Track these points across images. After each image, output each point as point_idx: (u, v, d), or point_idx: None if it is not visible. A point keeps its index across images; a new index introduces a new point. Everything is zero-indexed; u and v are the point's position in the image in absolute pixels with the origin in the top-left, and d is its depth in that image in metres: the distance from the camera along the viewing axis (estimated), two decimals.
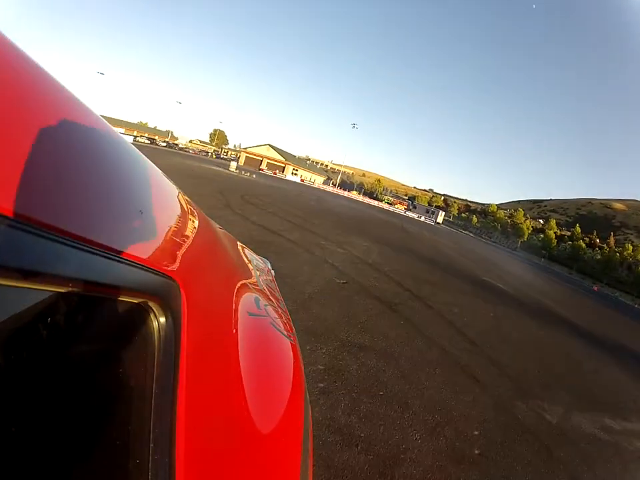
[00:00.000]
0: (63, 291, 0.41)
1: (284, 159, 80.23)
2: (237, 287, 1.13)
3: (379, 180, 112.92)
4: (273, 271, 2.03)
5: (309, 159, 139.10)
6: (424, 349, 4.85)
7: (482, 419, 3.60)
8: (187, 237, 0.89)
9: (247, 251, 1.86)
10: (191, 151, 75.03)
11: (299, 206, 19.27)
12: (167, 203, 0.90)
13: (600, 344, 10.02)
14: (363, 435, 2.76)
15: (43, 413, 0.45)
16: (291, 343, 1.21)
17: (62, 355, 0.48)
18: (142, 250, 0.56)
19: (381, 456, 2.61)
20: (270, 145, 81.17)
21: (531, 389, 4.87)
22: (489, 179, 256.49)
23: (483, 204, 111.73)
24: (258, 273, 1.60)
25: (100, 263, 0.43)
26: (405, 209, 69.25)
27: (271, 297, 1.43)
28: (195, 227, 1.02)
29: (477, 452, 3.04)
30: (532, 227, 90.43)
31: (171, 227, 0.81)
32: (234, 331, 0.91)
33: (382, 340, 4.65)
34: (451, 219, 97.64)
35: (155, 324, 0.57)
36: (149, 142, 61.78)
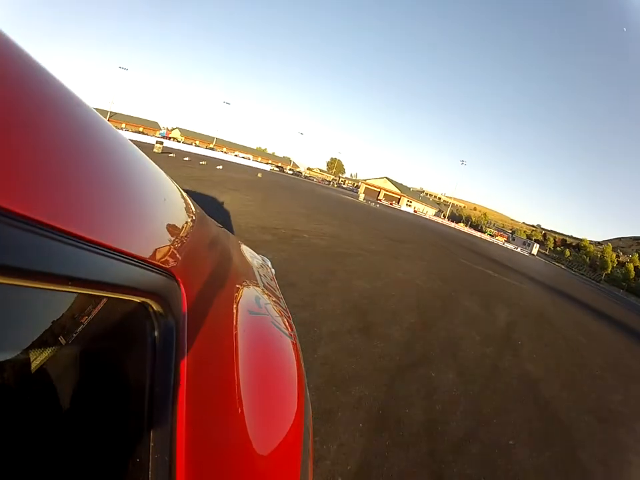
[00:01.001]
0: (63, 289, 0.41)
1: (399, 191, 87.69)
2: (237, 286, 1.14)
3: (485, 214, 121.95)
4: (273, 270, 2.04)
5: (423, 191, 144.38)
6: None
7: None
8: (187, 235, 0.89)
9: (247, 249, 1.87)
10: (314, 180, 79.89)
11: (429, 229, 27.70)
12: (166, 201, 0.90)
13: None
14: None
15: (43, 411, 0.46)
16: (292, 342, 1.22)
17: (62, 353, 0.49)
18: (142, 248, 0.56)
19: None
20: (387, 178, 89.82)
21: None
22: (602, 215, 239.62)
23: (579, 239, 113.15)
24: (258, 271, 1.61)
25: (100, 261, 0.43)
26: (504, 240, 78.31)
27: (271, 296, 1.44)
28: (195, 226, 1.03)
29: None
30: (617, 260, 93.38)
31: (171, 226, 0.82)
32: (234, 329, 0.91)
33: None
34: (547, 252, 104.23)
35: (156, 322, 0.57)
36: (277, 170, 67.92)
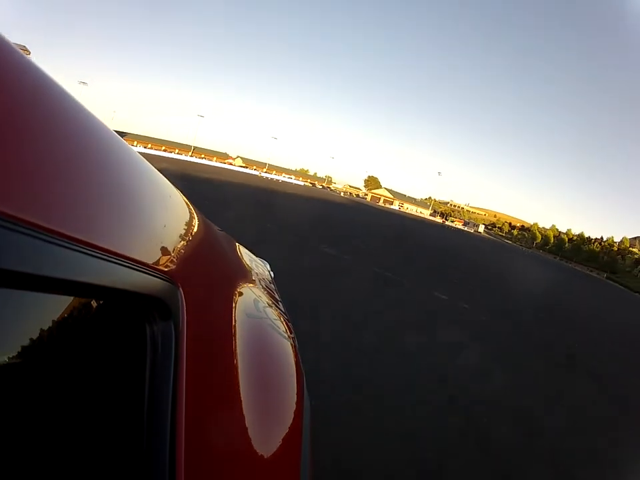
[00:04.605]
0: (61, 293, 0.42)
1: (392, 197, 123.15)
2: (236, 289, 1.15)
3: (466, 210, 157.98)
4: (272, 273, 2.05)
5: (430, 199, 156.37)
6: None
7: None
8: (187, 238, 0.89)
9: (246, 252, 1.88)
10: (341, 193, 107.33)
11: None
12: (166, 204, 0.91)
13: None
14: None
15: (42, 416, 0.46)
16: (290, 345, 1.22)
17: (61, 358, 0.49)
18: (142, 252, 0.56)
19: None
20: (385, 188, 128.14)
21: None
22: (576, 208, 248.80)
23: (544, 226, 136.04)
24: (257, 274, 1.62)
25: (100, 265, 0.43)
26: (462, 224, 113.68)
27: (270, 299, 1.44)
28: (194, 229, 1.04)
29: None
30: (558, 236, 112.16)
31: (170, 229, 0.82)
32: (233, 332, 0.92)
33: None
34: (502, 233, 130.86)
35: (155, 326, 0.58)
36: (311, 185, 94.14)
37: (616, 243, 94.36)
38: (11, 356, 0.39)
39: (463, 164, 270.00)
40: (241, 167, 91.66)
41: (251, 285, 1.38)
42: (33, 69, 0.47)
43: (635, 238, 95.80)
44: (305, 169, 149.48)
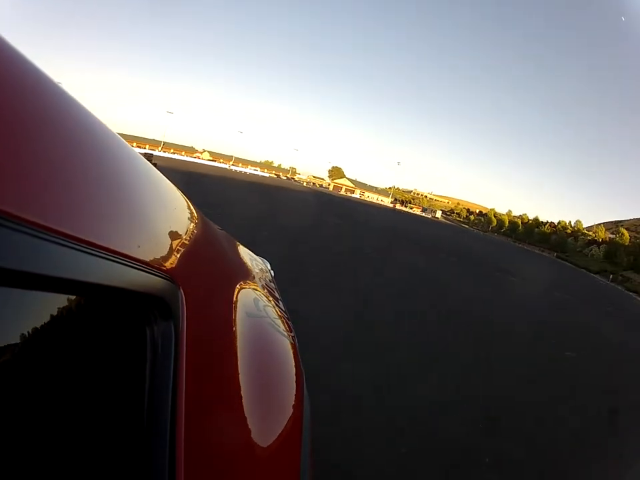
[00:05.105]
0: (61, 292, 0.42)
1: (354, 186, 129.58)
2: (236, 288, 1.15)
3: (428, 197, 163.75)
4: (272, 271, 2.06)
5: (394, 188, 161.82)
6: None
7: None
8: (186, 237, 0.89)
9: (246, 251, 1.88)
10: (304, 183, 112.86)
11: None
12: (165, 203, 0.92)
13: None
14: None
15: (42, 416, 0.46)
16: (290, 343, 1.23)
17: (61, 357, 0.49)
18: (142, 251, 0.56)
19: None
20: (347, 178, 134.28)
21: None
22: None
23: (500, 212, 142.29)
24: (257, 273, 1.62)
25: (98, 264, 0.43)
26: (420, 210, 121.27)
27: (270, 298, 1.45)
28: (193, 228, 1.04)
29: None
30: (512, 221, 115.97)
31: (170, 228, 0.82)
32: (233, 331, 0.92)
33: None
34: (460, 219, 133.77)
35: (155, 325, 0.58)
36: (275, 176, 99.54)
37: (571, 227, 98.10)
38: (11, 355, 0.39)
39: (426, 154, 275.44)
40: (210, 160, 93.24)
41: (251, 283, 1.37)
42: (32, 69, 0.47)
43: (601, 224, 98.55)
44: (270, 161, 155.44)
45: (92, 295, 0.49)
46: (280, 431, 0.87)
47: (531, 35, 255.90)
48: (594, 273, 47.21)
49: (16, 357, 0.39)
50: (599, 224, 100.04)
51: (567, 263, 57.15)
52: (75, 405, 0.51)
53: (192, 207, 1.22)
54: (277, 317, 1.32)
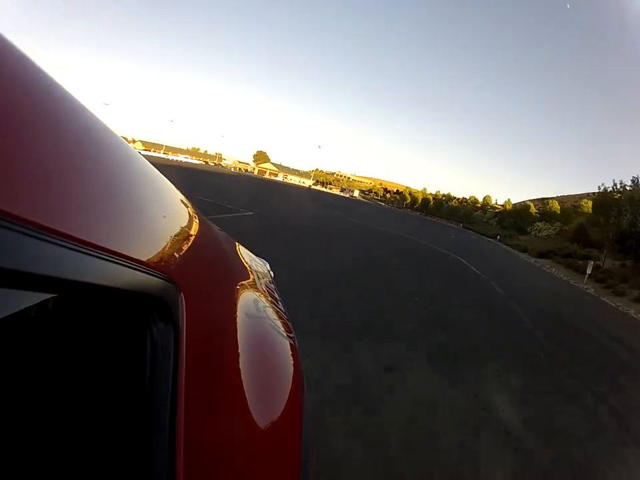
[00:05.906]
0: (61, 293, 0.41)
1: (278, 170, 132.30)
2: (235, 289, 1.14)
3: (350, 179, 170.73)
4: (271, 272, 2.05)
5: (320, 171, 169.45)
6: None
7: None
8: (186, 238, 0.89)
9: (245, 252, 1.87)
10: (231, 169, 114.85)
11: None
12: (165, 203, 0.91)
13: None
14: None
15: (42, 416, 0.46)
16: (290, 344, 1.22)
17: (61, 357, 0.49)
18: (141, 252, 0.56)
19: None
20: (271, 162, 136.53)
21: None
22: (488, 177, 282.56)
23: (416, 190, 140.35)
24: (257, 274, 1.61)
25: (98, 265, 0.43)
26: (339, 190, 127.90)
27: (270, 298, 1.44)
28: (193, 229, 1.03)
29: None
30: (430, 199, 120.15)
31: (170, 229, 0.82)
32: (233, 332, 0.92)
33: None
34: (377, 197, 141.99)
35: (155, 326, 0.57)
36: (204, 163, 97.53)
37: (480, 201, 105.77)
38: (11, 355, 0.39)
39: (349, 136, 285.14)
40: (144, 150, 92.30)
41: (251, 284, 1.37)
42: (33, 69, 0.47)
43: (527, 200, 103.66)
44: (197, 148, 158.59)
45: (92, 296, 0.49)
46: (280, 431, 0.87)
47: None
48: (489, 237, 54.66)
49: (17, 357, 0.39)
50: (525, 201, 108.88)
51: (470, 231, 64.39)
52: (76, 405, 0.51)
53: (191, 208, 1.21)
54: (276, 317, 1.31)
